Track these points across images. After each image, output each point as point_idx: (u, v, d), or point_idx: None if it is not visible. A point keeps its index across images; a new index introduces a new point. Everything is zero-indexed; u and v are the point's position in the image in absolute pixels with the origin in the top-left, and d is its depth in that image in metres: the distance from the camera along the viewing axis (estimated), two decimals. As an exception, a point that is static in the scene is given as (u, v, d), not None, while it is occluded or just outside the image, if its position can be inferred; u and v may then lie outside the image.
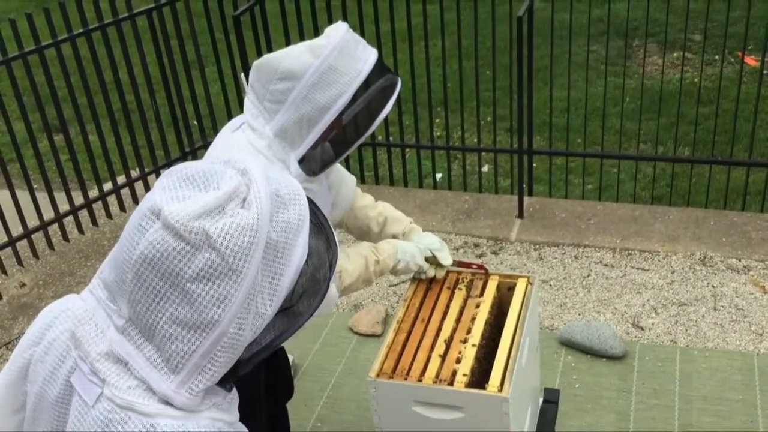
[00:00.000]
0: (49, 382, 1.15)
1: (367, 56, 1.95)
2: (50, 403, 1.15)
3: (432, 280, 2.35)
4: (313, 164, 2.02)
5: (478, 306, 2.26)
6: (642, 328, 3.43)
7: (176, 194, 1.02)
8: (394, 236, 2.34)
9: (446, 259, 2.32)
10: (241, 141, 2.01)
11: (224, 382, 1.09)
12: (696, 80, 5.88)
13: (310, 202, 1.11)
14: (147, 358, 1.05)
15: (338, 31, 1.94)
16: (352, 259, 2.16)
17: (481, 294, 2.30)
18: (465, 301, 2.28)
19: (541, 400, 2.61)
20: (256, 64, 1.98)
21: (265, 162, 1.95)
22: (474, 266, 2.37)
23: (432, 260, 2.31)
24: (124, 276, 1.04)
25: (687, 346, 3.31)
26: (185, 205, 0.99)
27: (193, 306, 0.99)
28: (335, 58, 1.90)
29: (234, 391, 1.14)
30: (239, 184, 1.02)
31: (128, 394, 1.05)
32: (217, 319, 1.00)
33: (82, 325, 1.12)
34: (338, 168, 2.30)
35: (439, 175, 4.87)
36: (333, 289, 2.07)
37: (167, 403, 1.05)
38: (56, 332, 1.17)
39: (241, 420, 1.21)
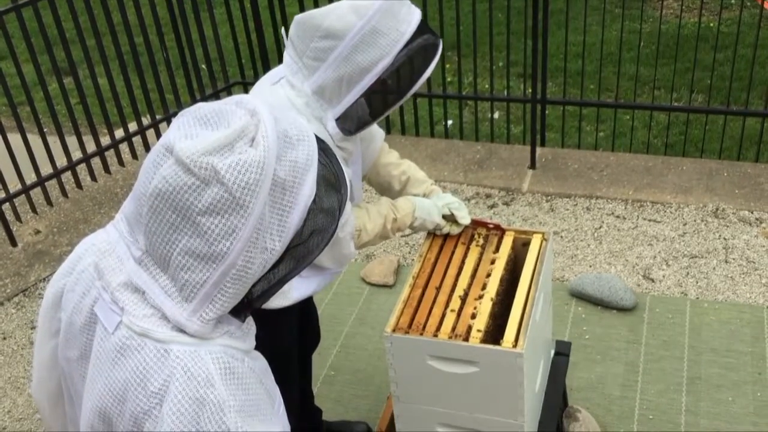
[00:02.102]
0: (77, 310, 1.22)
1: (410, 18, 1.91)
2: (78, 330, 1.22)
3: (447, 236, 2.36)
4: (349, 123, 2.01)
5: (493, 262, 2.27)
6: (653, 280, 3.45)
7: (189, 132, 1.07)
8: (415, 196, 2.34)
9: (464, 218, 2.32)
10: (279, 96, 2.00)
11: (239, 313, 1.15)
12: (713, 25, 5.77)
13: (321, 143, 1.15)
14: (162, 287, 1.11)
15: None
16: (372, 217, 2.18)
17: (497, 250, 2.31)
18: (480, 257, 2.29)
19: (552, 352, 2.64)
20: (298, 18, 1.95)
21: (295, 113, 1.95)
22: (490, 225, 2.37)
23: (449, 218, 2.32)
24: (141, 209, 1.10)
25: (697, 298, 3.34)
26: (196, 142, 1.05)
27: (203, 238, 1.05)
28: (378, 20, 1.87)
29: (250, 321, 1.20)
30: (248, 124, 1.07)
31: (144, 321, 1.12)
32: (225, 252, 1.05)
33: (104, 257, 1.18)
34: None
35: (449, 122, 4.84)
36: (351, 246, 2.10)
37: (180, 330, 1.11)
38: (85, 264, 1.24)
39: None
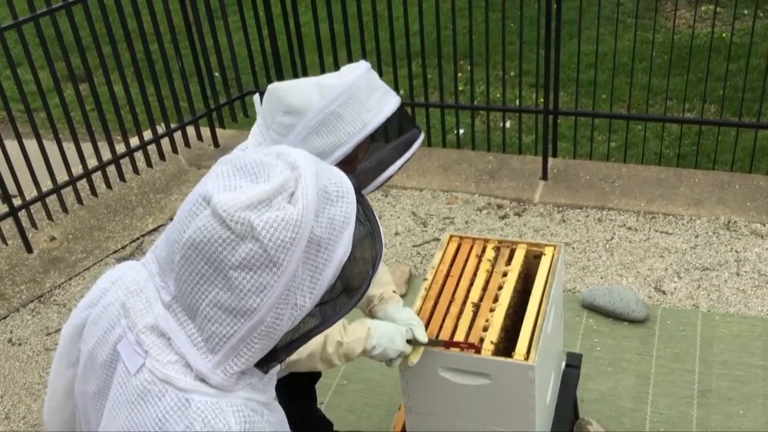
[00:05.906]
0: (100, 345, 1.21)
1: (381, 107, 1.75)
2: (99, 365, 1.21)
3: (459, 248, 2.36)
4: None
5: (505, 274, 2.28)
6: (664, 292, 3.45)
7: (228, 183, 1.05)
8: (371, 298, 2.14)
9: (422, 336, 2.01)
10: None
11: (261, 365, 1.14)
12: (725, 35, 5.77)
13: (360, 197, 1.12)
14: (188, 335, 1.09)
15: (353, 74, 1.75)
16: None
17: (509, 262, 2.32)
18: (492, 269, 2.31)
19: (563, 364, 2.65)
20: (269, 88, 1.82)
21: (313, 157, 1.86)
22: (463, 345, 2.07)
23: (413, 341, 2.02)
24: (173, 255, 1.08)
25: (709, 310, 3.34)
26: (234, 195, 1.02)
27: (234, 292, 1.03)
28: (341, 104, 1.71)
29: (272, 372, 1.18)
30: (288, 179, 1.04)
31: (168, 368, 1.10)
32: (255, 308, 1.03)
33: (132, 296, 1.17)
34: None
35: (461, 131, 4.86)
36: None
37: (203, 380, 1.09)
38: (111, 298, 1.22)
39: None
